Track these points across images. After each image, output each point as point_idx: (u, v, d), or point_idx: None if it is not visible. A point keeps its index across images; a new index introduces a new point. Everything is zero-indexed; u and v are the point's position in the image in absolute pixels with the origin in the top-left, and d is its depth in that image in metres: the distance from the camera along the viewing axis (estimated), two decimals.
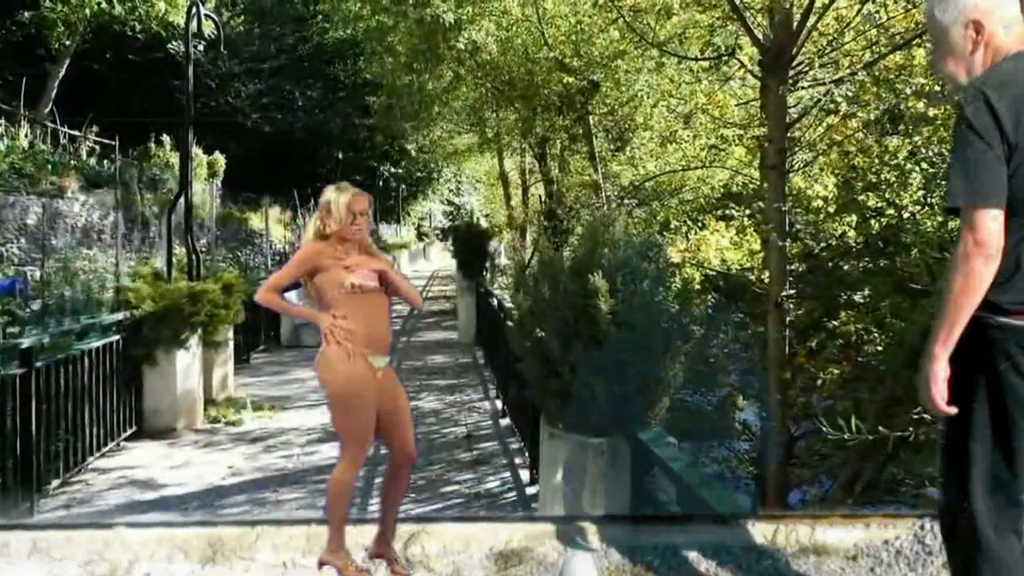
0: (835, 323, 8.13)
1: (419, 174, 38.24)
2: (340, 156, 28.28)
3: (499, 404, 8.68)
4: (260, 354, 12.11)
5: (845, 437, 3.34)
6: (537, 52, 12.61)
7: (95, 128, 21.45)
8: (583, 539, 3.04)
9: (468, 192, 49.17)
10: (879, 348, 7.55)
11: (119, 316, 6.88)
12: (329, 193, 3.40)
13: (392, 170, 34.04)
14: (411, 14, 14.82)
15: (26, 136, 19.39)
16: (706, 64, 10.80)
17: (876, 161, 9.49)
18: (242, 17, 28.77)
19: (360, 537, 3.18)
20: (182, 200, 8.34)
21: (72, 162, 19.81)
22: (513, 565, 2.95)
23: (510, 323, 6.14)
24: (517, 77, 13.62)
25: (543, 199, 18.79)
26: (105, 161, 17.89)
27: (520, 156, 27.11)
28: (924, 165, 7.74)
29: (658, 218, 12.49)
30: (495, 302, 9.68)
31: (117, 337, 6.72)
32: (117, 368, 6.74)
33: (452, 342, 13.79)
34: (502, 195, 37.16)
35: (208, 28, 11.17)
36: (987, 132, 1.98)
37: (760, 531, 3.05)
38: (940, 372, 2.01)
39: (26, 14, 21.28)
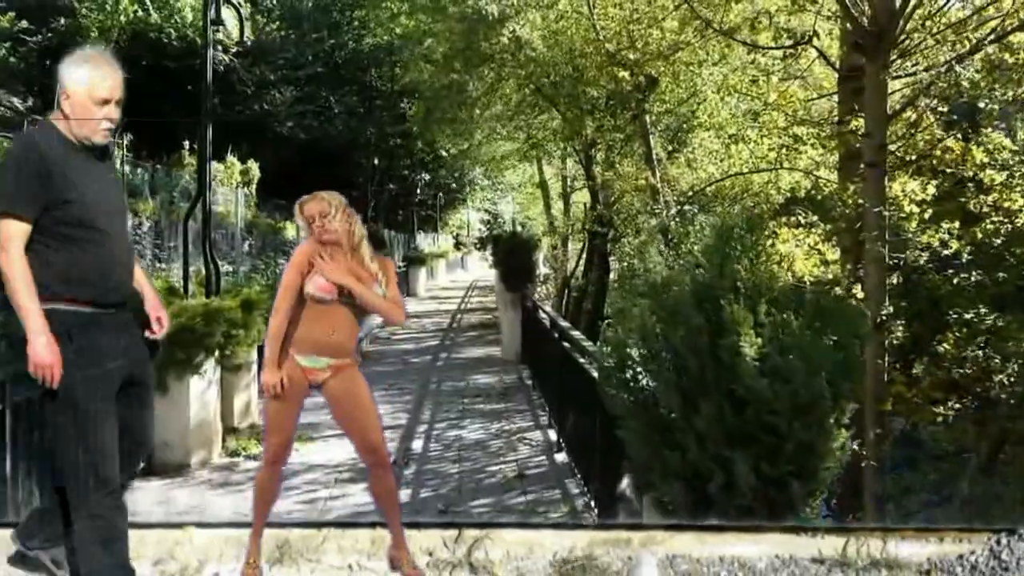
0: (945, 346, 7.04)
1: (456, 183, 37.51)
2: (376, 164, 27.61)
3: (553, 435, 7.72)
4: None
5: None
6: (587, 47, 11.65)
7: (128, 135, 21.05)
8: (649, 548, 2.90)
9: (506, 201, 48.44)
10: (1005, 378, 6.45)
11: None
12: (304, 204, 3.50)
13: (429, 178, 33.31)
14: (451, 11, 14.01)
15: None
16: (778, 54, 9.79)
17: (978, 160, 8.40)
18: (277, 23, 28.30)
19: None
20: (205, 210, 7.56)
21: None
22: (576, 572, 2.89)
23: (581, 360, 5.19)
24: (564, 76, 12.70)
25: (589, 206, 17.85)
26: (139, 169, 17.40)
27: (561, 163, 26.19)
28: None
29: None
30: (546, 319, 8.73)
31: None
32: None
33: (495, 359, 12.84)
34: (542, 204, 36.31)
35: (241, 32, 10.48)
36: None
37: (831, 543, 2.88)
38: None
39: (62, 21, 20.99)
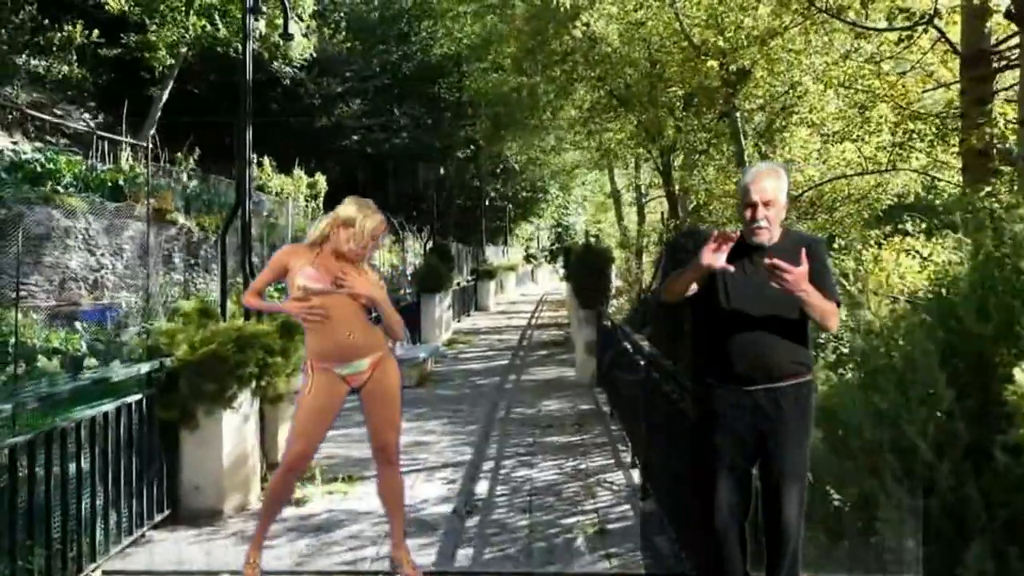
0: None
1: (525, 193, 36.71)
2: (443, 175, 27.01)
3: (636, 475, 6.68)
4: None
5: None
6: (669, 39, 10.59)
7: (197, 150, 20.99)
8: None
9: (577, 212, 47.53)
10: None
11: (144, 368, 5.29)
12: (352, 210, 3.72)
13: (499, 189, 32.59)
14: (519, 10, 13.20)
15: (127, 160, 18.97)
16: (890, 39, 8.62)
17: None
18: (344, 35, 28.03)
19: None
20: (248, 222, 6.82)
21: (171, 184, 19.34)
22: None
23: (672, 391, 4.20)
24: (642, 73, 11.67)
25: (666, 215, 16.75)
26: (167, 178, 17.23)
27: (635, 170, 25.11)
28: None
29: (821, 234, 10.15)
30: (628, 345, 7.69)
31: (139, 396, 5.13)
32: (141, 436, 5.15)
33: (568, 382, 11.86)
34: (613, 214, 35.23)
35: (285, 24, 9.82)
36: None
37: None
38: None
39: (133, 37, 21.06)
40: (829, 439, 1.54)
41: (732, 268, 3.20)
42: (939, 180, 9.68)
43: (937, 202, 9.35)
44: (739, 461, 3.29)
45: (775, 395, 3.16)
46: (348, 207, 3.83)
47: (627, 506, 6.03)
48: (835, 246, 10.31)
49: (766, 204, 3.26)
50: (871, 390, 1.51)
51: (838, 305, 3.26)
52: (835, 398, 1.64)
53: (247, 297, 4.01)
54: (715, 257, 3.17)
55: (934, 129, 9.40)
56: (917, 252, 9.08)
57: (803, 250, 3.17)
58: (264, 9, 7.20)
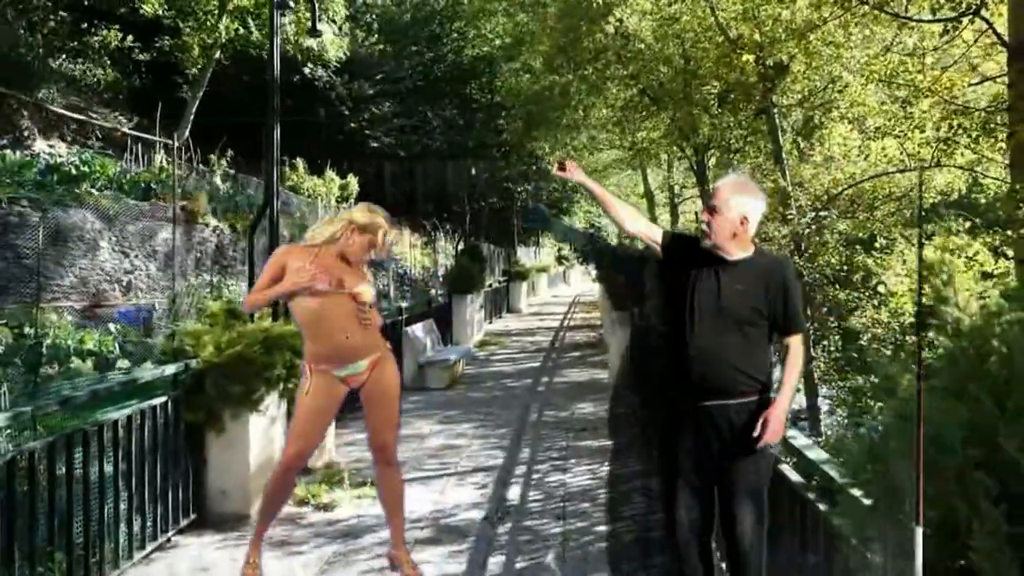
0: None
1: (558, 194, 36.52)
2: (475, 176, 26.92)
3: None
4: None
5: None
6: (703, 35, 10.34)
7: (230, 152, 21.13)
8: None
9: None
10: None
11: (170, 369, 5.21)
12: (366, 218, 3.79)
13: (530, 190, 32.42)
14: (552, 10, 13.04)
15: (161, 162, 19.15)
16: (933, 31, 8.33)
17: None
18: (376, 37, 28.05)
19: None
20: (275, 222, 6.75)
21: (205, 186, 19.50)
22: None
23: None
24: (677, 70, 11.44)
25: (701, 215, 16.46)
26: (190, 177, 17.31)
27: (668, 169, 24.83)
28: None
29: (861, 233, 9.83)
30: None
31: (164, 398, 5.05)
32: (167, 438, 5.07)
33: (601, 384, 11.66)
34: (647, 214, 34.95)
35: (313, 23, 9.75)
36: None
37: None
38: None
39: (167, 41, 21.28)
40: (908, 453, 1.37)
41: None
42: (985, 177, 9.35)
43: (982, 200, 9.02)
44: (697, 475, 3.33)
45: (729, 412, 3.24)
46: (362, 214, 3.86)
47: (661, 514, 5.83)
48: (876, 245, 10.02)
49: (711, 211, 3.36)
50: (961, 399, 1.34)
51: (801, 331, 3.41)
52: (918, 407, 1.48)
53: (248, 298, 3.98)
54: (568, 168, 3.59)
55: (979, 124, 9.08)
56: (962, 251, 8.78)
57: (767, 284, 3.29)
58: (291, 4, 7.11)
